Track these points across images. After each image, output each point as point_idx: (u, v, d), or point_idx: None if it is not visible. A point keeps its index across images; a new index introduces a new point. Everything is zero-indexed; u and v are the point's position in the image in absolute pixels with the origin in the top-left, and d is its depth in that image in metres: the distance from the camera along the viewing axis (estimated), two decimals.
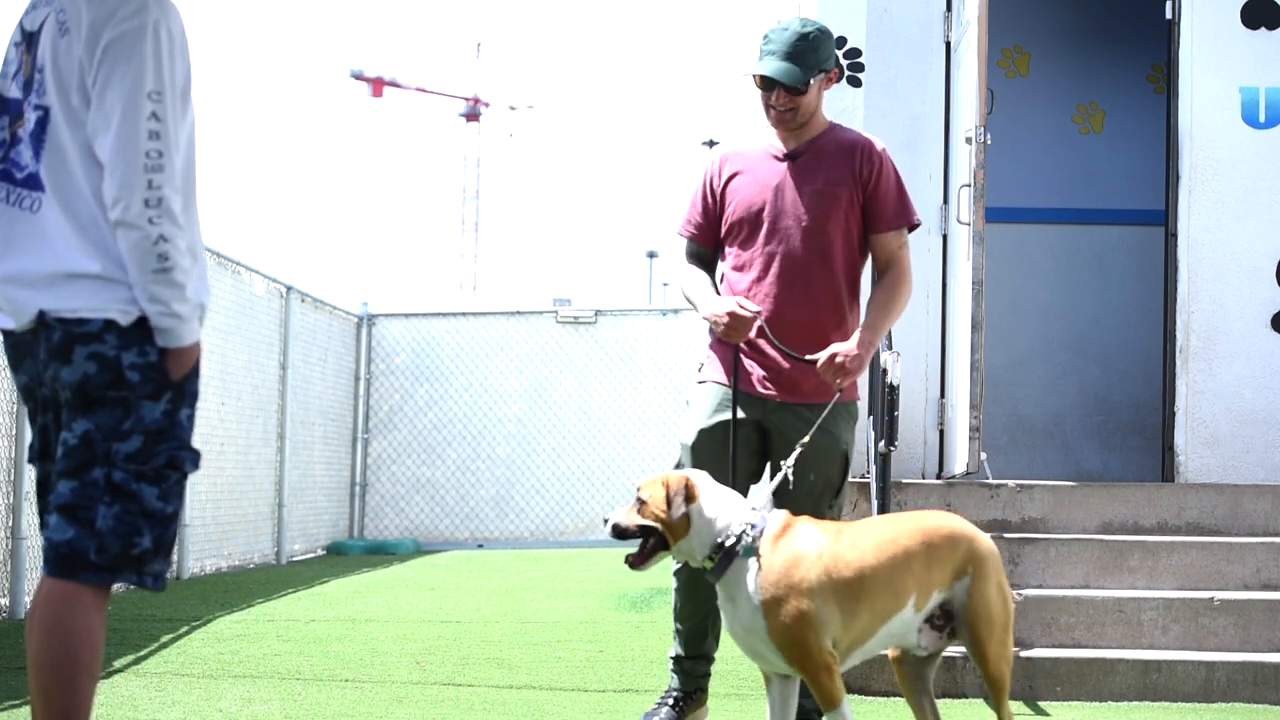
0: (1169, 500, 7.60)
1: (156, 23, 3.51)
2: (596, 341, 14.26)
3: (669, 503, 4.29)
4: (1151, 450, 8.92)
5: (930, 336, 8.09)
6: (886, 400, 6.51)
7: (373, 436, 14.34)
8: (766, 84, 5.13)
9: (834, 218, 5.12)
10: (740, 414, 5.09)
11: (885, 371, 6.49)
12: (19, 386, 3.69)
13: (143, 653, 6.92)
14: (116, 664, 6.58)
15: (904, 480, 7.57)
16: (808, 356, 5.01)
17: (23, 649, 3.98)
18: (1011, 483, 7.64)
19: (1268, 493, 7.63)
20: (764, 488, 4.66)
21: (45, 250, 3.52)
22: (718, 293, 5.24)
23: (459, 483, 14.28)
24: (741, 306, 5.00)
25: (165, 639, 7.32)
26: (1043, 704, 6.32)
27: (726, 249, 5.26)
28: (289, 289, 12.37)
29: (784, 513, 4.38)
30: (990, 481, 7.64)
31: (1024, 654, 6.55)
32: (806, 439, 4.81)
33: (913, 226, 5.22)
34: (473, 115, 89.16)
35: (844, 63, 8.12)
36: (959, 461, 7.56)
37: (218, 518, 11.01)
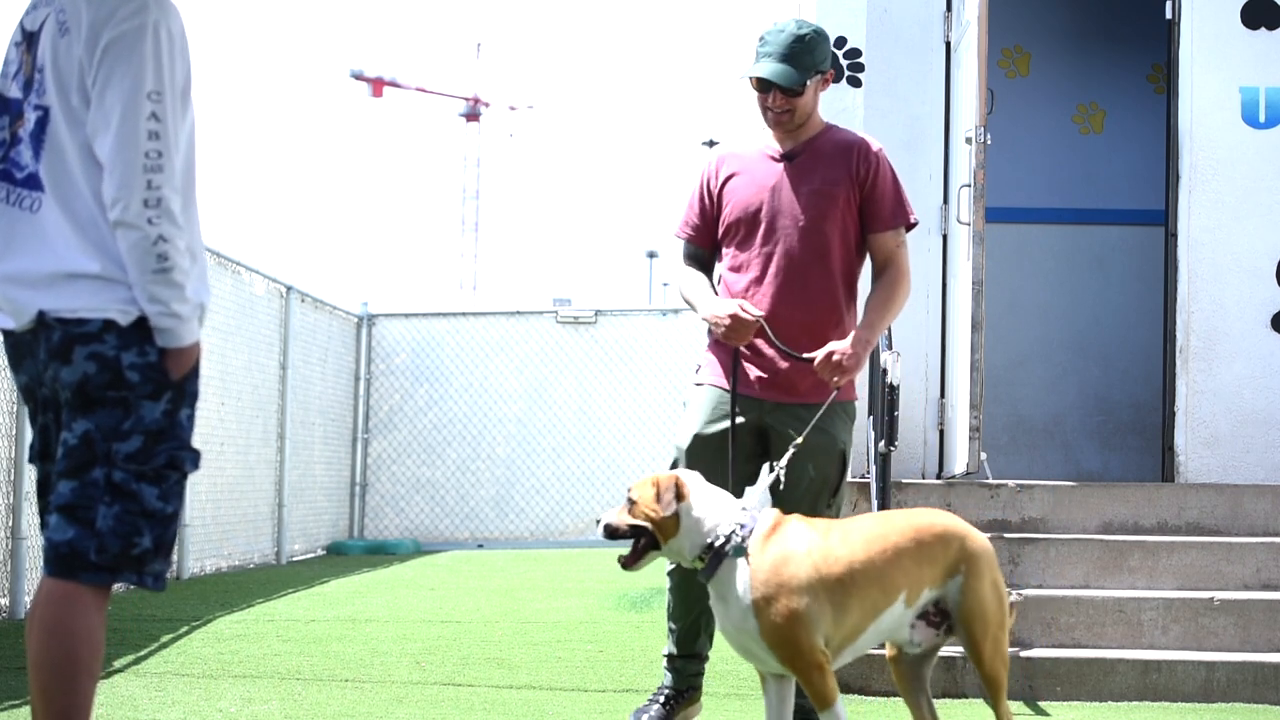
0: (1169, 500, 7.60)
1: (156, 23, 3.51)
2: (596, 341, 14.26)
3: (659, 500, 4.31)
4: (1151, 450, 8.92)
5: (930, 336, 8.09)
6: (886, 400, 6.51)
7: (373, 436, 14.34)
8: (763, 86, 5.14)
9: (831, 218, 5.13)
10: (740, 417, 5.09)
11: (885, 371, 6.49)
12: (19, 386, 3.69)
13: (143, 653, 6.92)
14: (116, 664, 6.58)
15: (904, 480, 7.58)
16: (805, 355, 5.02)
17: (23, 649, 3.98)
18: (1011, 483, 7.64)
19: (1268, 493, 7.63)
20: (757, 488, 4.67)
21: (45, 250, 3.52)
22: (716, 294, 5.25)
23: (459, 483, 14.29)
24: (743, 309, 5.01)
25: (165, 639, 7.32)
26: (1043, 704, 6.32)
27: (724, 250, 5.26)
28: (289, 289, 12.37)
29: (774, 512, 4.40)
30: (990, 481, 7.64)
31: (1024, 654, 6.55)
32: (800, 439, 4.82)
33: (910, 226, 5.24)
34: (473, 115, 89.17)
35: (844, 63, 8.12)
36: (959, 461, 7.56)
37: (218, 518, 11.01)
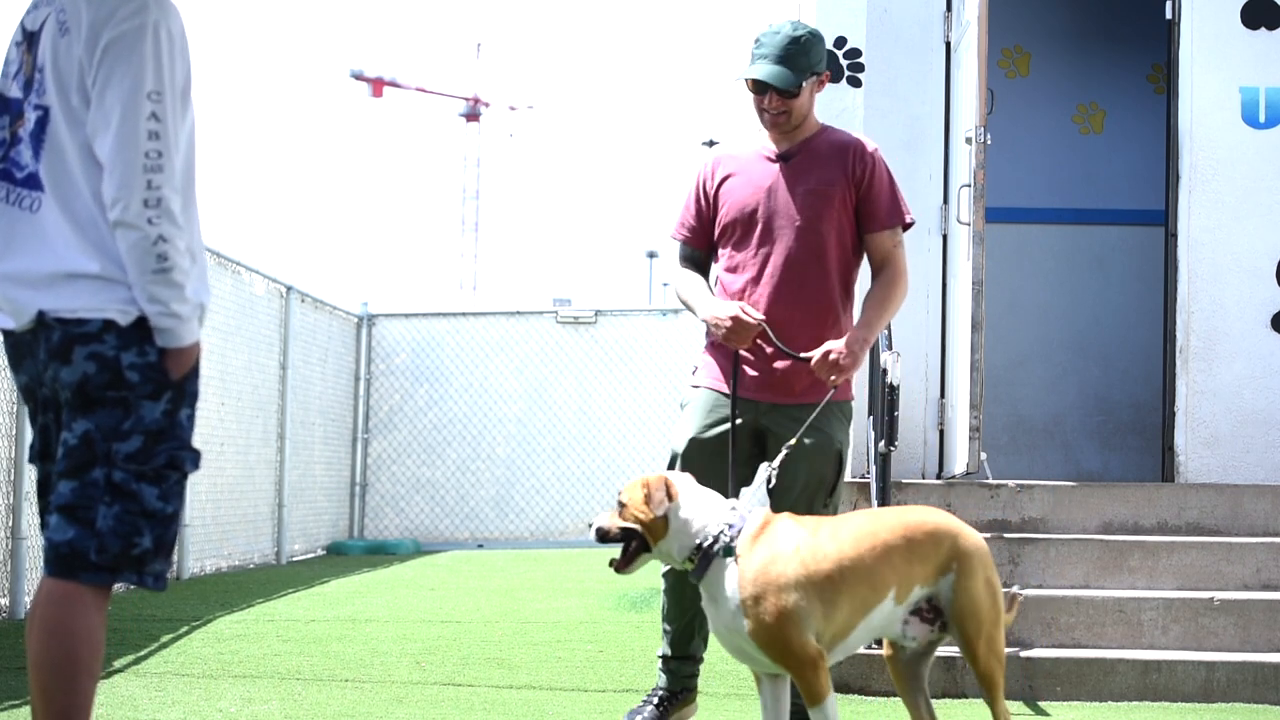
0: (1169, 500, 7.60)
1: (156, 23, 3.51)
2: (596, 341, 14.26)
3: (648, 501, 4.31)
4: (1151, 450, 8.92)
5: (930, 336, 8.09)
6: (886, 400, 6.51)
7: (373, 436, 14.34)
8: (759, 87, 5.15)
9: (827, 217, 5.13)
10: (736, 420, 5.10)
11: (885, 371, 6.49)
12: (19, 386, 3.69)
13: (143, 653, 6.92)
14: (116, 664, 6.58)
15: (904, 480, 7.57)
16: (802, 355, 5.02)
17: (23, 649, 3.98)
18: (1011, 483, 7.64)
19: (1268, 493, 7.63)
20: (751, 489, 4.67)
21: (45, 250, 3.52)
22: (712, 295, 5.25)
23: (459, 483, 14.29)
24: (745, 312, 5.01)
25: (165, 639, 7.32)
26: (1043, 704, 6.32)
27: (720, 250, 5.27)
28: (289, 289, 12.38)
29: (764, 511, 4.40)
30: (990, 481, 7.64)
31: (1024, 654, 6.55)
32: (793, 441, 4.83)
33: (906, 225, 5.24)
34: (473, 115, 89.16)
35: (844, 63, 8.12)
36: (959, 461, 7.56)
37: (218, 518, 11.01)
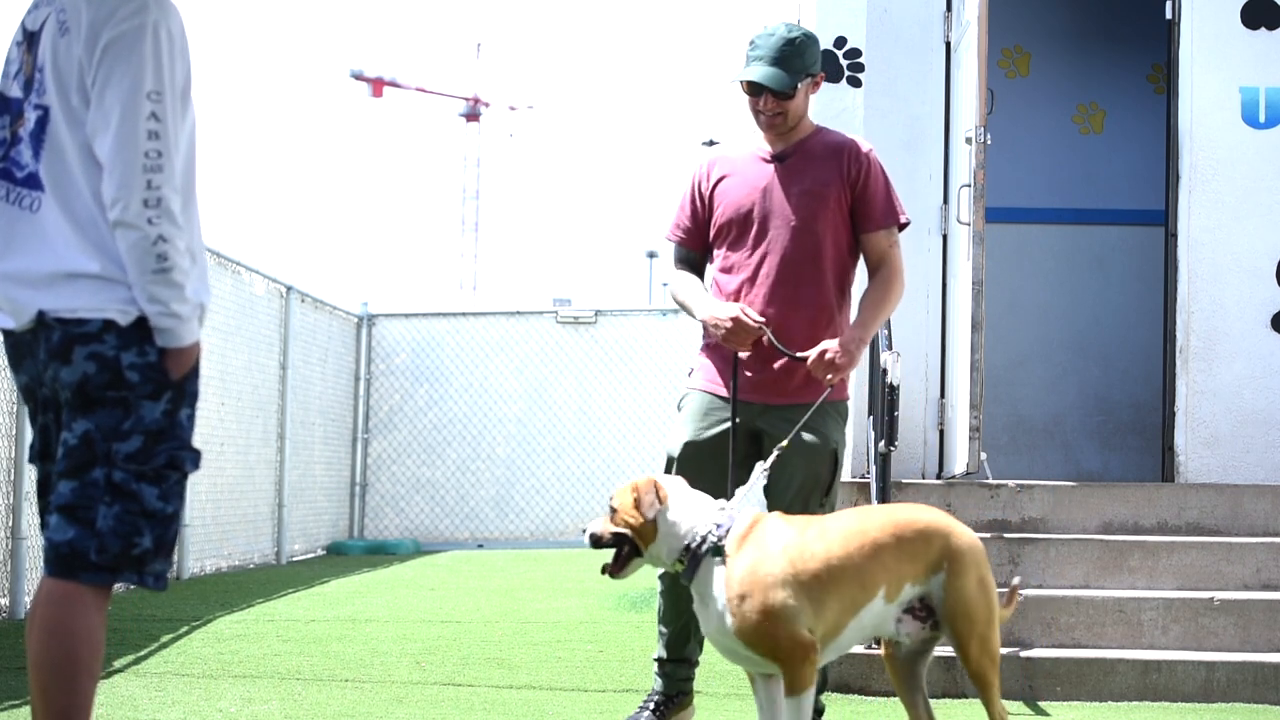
0: (1169, 500, 7.60)
1: (156, 23, 3.51)
2: (596, 341, 14.27)
3: (638, 505, 4.33)
4: (1151, 450, 8.92)
5: (930, 336, 8.09)
6: (886, 400, 6.51)
7: (373, 436, 14.34)
8: (754, 89, 5.16)
9: (822, 217, 5.14)
10: (730, 422, 5.10)
11: (885, 371, 6.49)
12: (19, 386, 3.69)
13: (143, 653, 6.92)
14: (116, 664, 6.58)
15: (904, 480, 7.57)
16: (799, 354, 5.03)
17: (23, 649, 3.98)
18: (1011, 483, 7.64)
19: (1268, 493, 7.63)
20: (744, 490, 4.68)
21: (45, 250, 3.52)
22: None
23: (459, 483, 14.29)
24: (745, 314, 5.01)
25: (165, 639, 7.32)
26: (1043, 704, 6.32)
27: (715, 251, 5.28)
28: (289, 289, 12.38)
29: (754, 511, 4.41)
30: (990, 481, 7.64)
31: (1024, 654, 6.56)
32: (785, 442, 4.83)
33: (902, 225, 5.25)
34: (473, 115, 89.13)
35: (844, 63, 8.12)
36: (959, 461, 7.56)
37: (218, 518, 11.01)
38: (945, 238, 8.10)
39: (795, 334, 5.08)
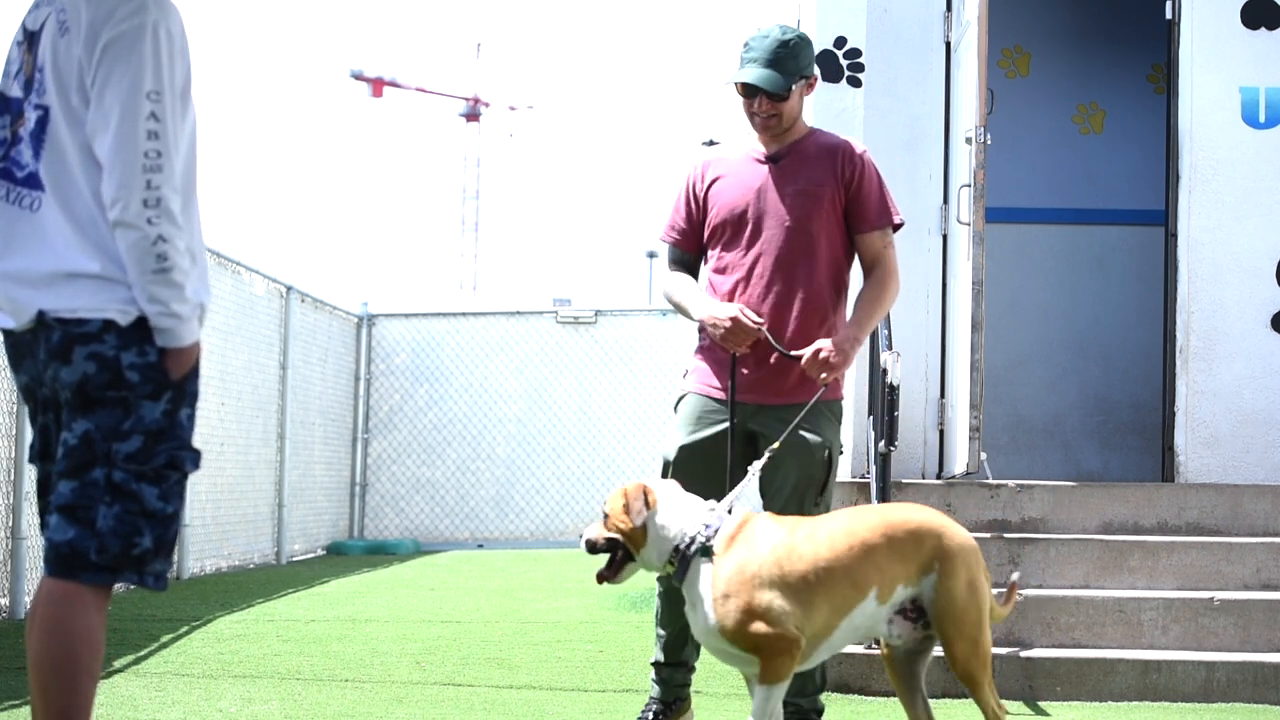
0: (1169, 500, 7.60)
1: (155, 23, 3.51)
2: (596, 341, 14.27)
3: (628, 511, 4.34)
4: (1151, 450, 8.92)
5: (930, 336, 8.09)
6: (886, 400, 6.51)
7: (373, 436, 14.34)
8: (749, 91, 5.17)
9: (816, 218, 5.15)
10: (725, 423, 5.10)
11: (885, 371, 6.49)
12: (19, 386, 3.69)
13: (143, 653, 6.92)
14: (116, 664, 6.58)
15: (904, 480, 7.57)
16: (793, 353, 5.03)
17: (23, 649, 3.98)
18: (1011, 483, 7.64)
19: (1268, 493, 7.63)
20: (736, 491, 4.68)
21: (45, 249, 3.52)
22: None
23: (459, 483, 14.29)
24: (744, 315, 5.01)
25: (165, 639, 7.32)
26: (1043, 704, 6.32)
27: (709, 252, 5.28)
28: (289, 289, 12.38)
29: (745, 511, 4.42)
30: (990, 481, 7.64)
31: (1024, 654, 6.56)
32: (776, 444, 4.84)
33: (896, 226, 5.26)
34: (473, 115, 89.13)
35: (844, 63, 8.12)
36: (959, 461, 7.56)
37: (218, 518, 11.01)
38: (945, 238, 8.10)
39: (789, 334, 5.09)
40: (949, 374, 8.01)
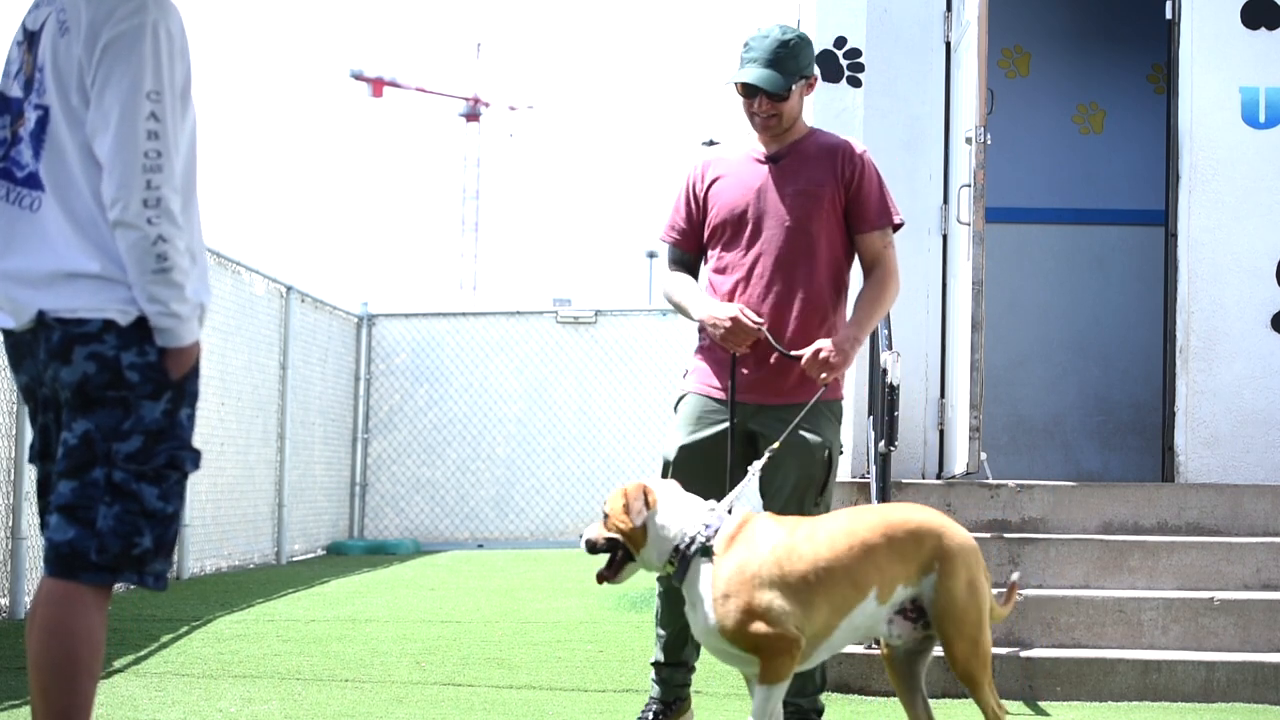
0: (1169, 500, 7.60)
1: (155, 23, 3.51)
2: (596, 341, 14.27)
3: (628, 511, 4.34)
4: (1151, 450, 8.92)
5: (930, 336, 8.09)
6: (886, 400, 6.51)
7: (373, 436, 14.34)
8: (749, 91, 5.17)
9: (816, 217, 5.15)
10: (725, 423, 5.10)
11: (885, 371, 6.49)
12: (19, 386, 3.69)
13: (143, 653, 6.92)
14: (116, 664, 6.58)
15: (904, 480, 7.57)
16: (793, 353, 5.03)
17: (23, 649, 3.98)
18: (1011, 483, 7.64)
19: (1268, 493, 7.63)
20: (735, 491, 4.68)
21: (45, 249, 3.52)
22: None
23: (459, 483, 14.29)
24: (744, 315, 5.02)
25: (165, 639, 7.33)
26: (1043, 704, 6.32)
27: (709, 252, 5.28)
28: (289, 289, 12.38)
29: (745, 511, 4.42)
30: (990, 481, 7.64)
31: (1024, 654, 6.56)
32: (776, 445, 4.84)
33: (896, 226, 5.26)
34: (473, 115, 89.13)
35: (844, 63, 8.12)
36: (959, 461, 7.56)
37: (218, 518, 11.01)
38: (945, 238, 8.10)
39: (789, 334, 5.09)
40: (949, 374, 8.01)
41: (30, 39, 3.62)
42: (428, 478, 14.29)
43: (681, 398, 5.27)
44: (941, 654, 4.43)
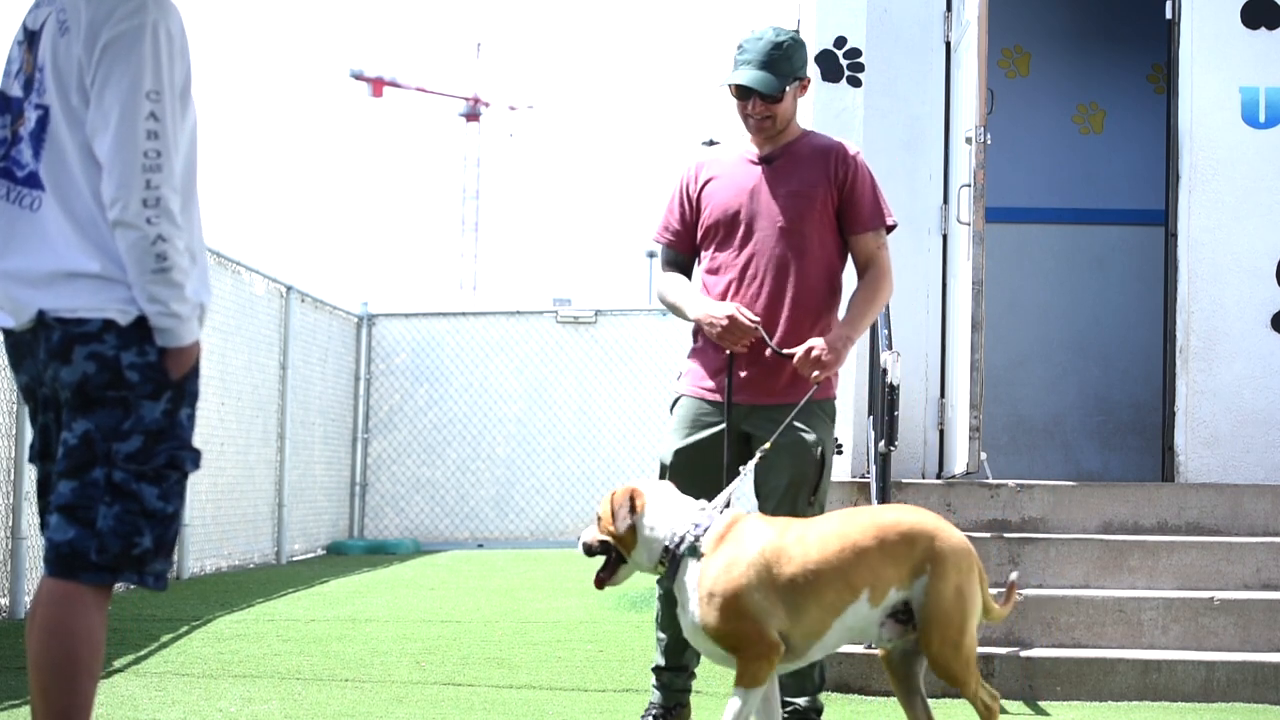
0: (1169, 500, 7.60)
1: (155, 23, 3.51)
2: (596, 341, 14.27)
3: (614, 516, 4.35)
4: (1151, 450, 8.92)
5: (930, 336, 8.09)
6: (886, 400, 6.51)
7: (373, 436, 14.35)
8: (743, 93, 5.17)
9: (809, 218, 5.15)
10: (719, 425, 5.10)
11: (885, 371, 6.49)
12: (19, 386, 3.69)
13: (143, 653, 6.92)
14: (116, 664, 6.58)
15: (904, 480, 7.57)
16: (785, 351, 5.04)
17: (23, 649, 3.98)
18: (1011, 483, 7.64)
19: (1268, 493, 7.63)
20: (727, 491, 4.68)
21: (45, 249, 3.52)
22: None
23: (459, 483, 14.29)
24: (741, 314, 5.02)
25: (165, 639, 7.33)
26: (1043, 704, 6.32)
27: (702, 253, 5.29)
28: (289, 289, 12.38)
29: (735, 512, 4.42)
30: (990, 481, 7.64)
31: (1024, 654, 6.56)
32: (768, 445, 4.84)
33: (890, 227, 5.26)
34: (473, 115, 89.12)
35: (844, 63, 8.12)
36: (959, 461, 7.56)
37: (218, 518, 11.01)
38: (945, 238, 8.10)
39: (781, 334, 5.10)
40: (949, 374, 8.01)
41: (30, 38, 3.62)
42: (428, 478, 14.29)
43: (676, 400, 5.27)
44: None
